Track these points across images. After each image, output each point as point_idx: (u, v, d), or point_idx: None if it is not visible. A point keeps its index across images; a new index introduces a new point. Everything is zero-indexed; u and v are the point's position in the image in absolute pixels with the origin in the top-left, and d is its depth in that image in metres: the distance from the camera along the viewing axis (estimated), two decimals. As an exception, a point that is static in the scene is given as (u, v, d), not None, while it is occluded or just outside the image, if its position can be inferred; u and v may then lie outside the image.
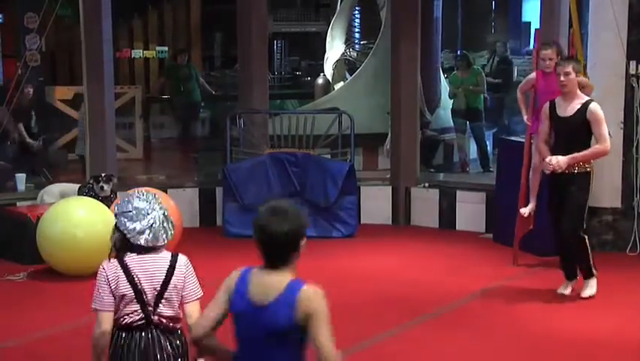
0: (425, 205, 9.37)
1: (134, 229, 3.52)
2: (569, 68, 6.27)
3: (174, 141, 13.84)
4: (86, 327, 6.03)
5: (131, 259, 3.52)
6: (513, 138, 8.89)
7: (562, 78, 6.29)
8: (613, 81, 7.83)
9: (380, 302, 6.47)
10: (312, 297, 2.85)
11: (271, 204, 2.94)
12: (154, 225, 3.55)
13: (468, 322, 6.05)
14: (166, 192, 8.53)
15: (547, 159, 6.30)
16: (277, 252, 2.87)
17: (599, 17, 7.91)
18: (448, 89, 11.70)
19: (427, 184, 9.55)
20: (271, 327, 2.80)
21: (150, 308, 3.50)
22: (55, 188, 8.48)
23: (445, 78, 12.64)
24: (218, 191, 9.27)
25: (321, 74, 14.66)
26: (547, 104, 6.53)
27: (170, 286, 3.54)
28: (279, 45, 18.16)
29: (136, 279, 3.49)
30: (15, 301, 6.77)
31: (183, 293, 3.58)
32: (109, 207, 7.55)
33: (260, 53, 9.76)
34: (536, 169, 7.33)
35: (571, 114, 6.32)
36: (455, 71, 11.67)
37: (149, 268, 3.52)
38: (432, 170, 10.82)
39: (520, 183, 7.46)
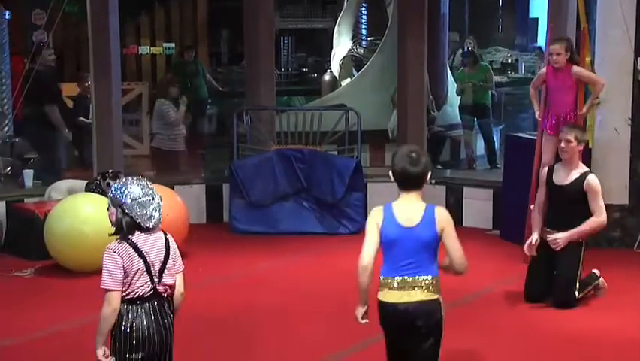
0: (432, 202, 9.25)
1: (146, 213, 3.87)
2: (571, 137, 6.18)
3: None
4: (93, 323, 6.05)
5: (137, 238, 3.87)
6: (520, 135, 8.88)
7: (562, 145, 6.22)
8: (621, 78, 7.81)
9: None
10: (444, 214, 4.01)
11: (405, 150, 4.04)
12: (159, 208, 3.94)
13: (474, 319, 6.04)
14: (173, 189, 8.54)
15: (551, 238, 6.20)
16: (414, 184, 4.02)
17: (607, 14, 7.89)
18: (455, 85, 11.69)
19: (433, 181, 9.52)
20: (422, 240, 3.92)
21: (157, 279, 3.87)
22: (63, 184, 8.49)
23: (452, 75, 12.63)
24: (225, 187, 9.27)
25: (328, 70, 14.67)
26: (545, 170, 6.46)
27: (170, 257, 3.93)
28: (285, 41, 18.17)
29: (145, 254, 3.84)
30: (23, 297, 6.79)
31: (175, 265, 3.98)
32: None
33: (267, 50, 9.76)
34: (546, 167, 7.31)
35: (568, 183, 6.25)
36: (462, 68, 11.65)
37: (153, 244, 3.89)
38: (439, 167, 10.80)
39: (531, 181, 7.45)
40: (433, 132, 11.02)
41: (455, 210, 9.17)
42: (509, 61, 18.07)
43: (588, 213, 6.24)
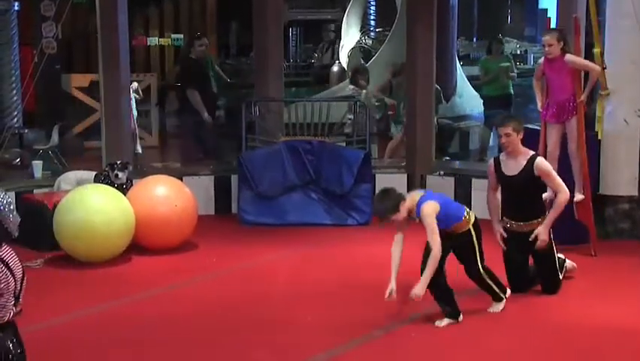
0: (441, 193, 9.32)
1: (17, 221, 3.44)
2: (509, 129, 6.07)
3: (189, 129, 13.82)
4: (101, 314, 6.09)
5: (3, 252, 3.36)
6: (529, 126, 8.84)
7: (502, 140, 6.13)
8: (630, 68, 7.77)
9: (396, 289, 6.46)
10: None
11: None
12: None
13: (483, 308, 6.04)
14: (181, 180, 8.55)
15: (536, 239, 6.12)
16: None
17: (616, 4, 7.85)
18: (464, 77, 11.64)
19: (442, 172, 9.52)
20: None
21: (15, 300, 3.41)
22: (72, 175, 8.51)
23: (462, 66, 12.59)
24: (234, 179, 9.28)
25: (337, 61, 14.66)
26: (491, 162, 6.34)
27: (25, 276, 3.49)
28: (294, 33, 18.16)
29: (15, 272, 3.39)
30: (32, 288, 6.77)
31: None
32: (125, 195, 7.59)
33: (275, 41, 9.75)
34: (551, 156, 7.33)
35: (517, 172, 6.17)
36: (486, 56, 11.51)
37: (15, 260, 3.40)
38: (447, 158, 10.78)
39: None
40: (442, 124, 10.99)
41: (464, 202, 9.18)
42: (518, 52, 18.01)
43: (539, 197, 6.31)
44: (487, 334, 5.65)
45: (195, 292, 6.65)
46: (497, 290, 5.95)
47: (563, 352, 5.33)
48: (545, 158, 7.33)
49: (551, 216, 6.19)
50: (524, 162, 6.17)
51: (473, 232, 5.76)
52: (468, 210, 5.84)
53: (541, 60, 7.41)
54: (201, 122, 9.98)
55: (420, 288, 5.53)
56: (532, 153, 6.27)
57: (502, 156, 6.30)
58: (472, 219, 5.76)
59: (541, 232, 6.16)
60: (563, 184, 6.22)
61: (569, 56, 7.13)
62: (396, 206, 5.59)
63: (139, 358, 5.28)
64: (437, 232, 5.49)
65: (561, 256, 6.57)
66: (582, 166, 7.38)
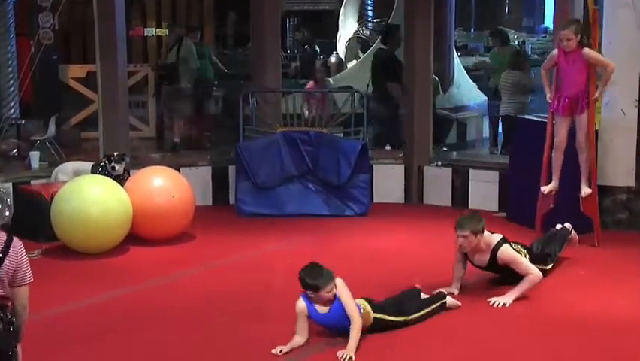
0: (438, 184, 9.35)
1: (7, 214, 3.51)
2: (467, 232, 5.89)
3: (187, 120, 13.81)
4: (99, 304, 6.09)
5: None
6: (527, 117, 8.86)
7: (460, 241, 5.96)
8: (628, 59, 7.77)
9: (392, 281, 6.47)
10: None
11: None
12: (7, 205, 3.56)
13: (482, 298, 6.05)
14: (179, 171, 8.55)
15: (496, 305, 5.86)
16: None
17: (614, -6, 7.85)
18: (462, 68, 11.61)
19: (439, 163, 9.52)
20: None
21: None
22: (70, 166, 8.50)
23: (459, 57, 12.56)
24: (231, 169, 9.28)
25: (334, 52, 14.63)
26: (460, 253, 6.12)
27: (3, 267, 3.51)
28: (291, 23, 18.11)
29: None
30: (30, 278, 6.81)
31: (15, 276, 3.60)
32: (122, 186, 7.59)
33: (273, 31, 9.73)
34: (559, 148, 7.32)
35: (486, 265, 6.11)
36: (494, 49, 11.48)
37: None
38: (444, 149, 10.76)
39: (540, 162, 7.47)
40: (441, 115, 10.97)
41: (461, 193, 9.21)
42: (516, 43, 17.99)
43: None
44: (487, 327, 5.66)
45: (193, 282, 6.66)
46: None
47: (562, 344, 5.33)
48: (552, 150, 7.36)
49: (520, 289, 5.94)
50: (488, 256, 6.03)
51: None
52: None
53: (555, 52, 7.34)
54: None
55: (349, 350, 5.05)
56: (494, 243, 6.01)
57: (469, 252, 6.12)
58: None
59: (505, 301, 5.86)
60: (531, 266, 6.00)
61: (587, 50, 7.09)
62: (327, 282, 5.26)
63: (136, 348, 5.28)
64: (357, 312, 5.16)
65: (568, 225, 6.70)
66: (590, 160, 7.37)
